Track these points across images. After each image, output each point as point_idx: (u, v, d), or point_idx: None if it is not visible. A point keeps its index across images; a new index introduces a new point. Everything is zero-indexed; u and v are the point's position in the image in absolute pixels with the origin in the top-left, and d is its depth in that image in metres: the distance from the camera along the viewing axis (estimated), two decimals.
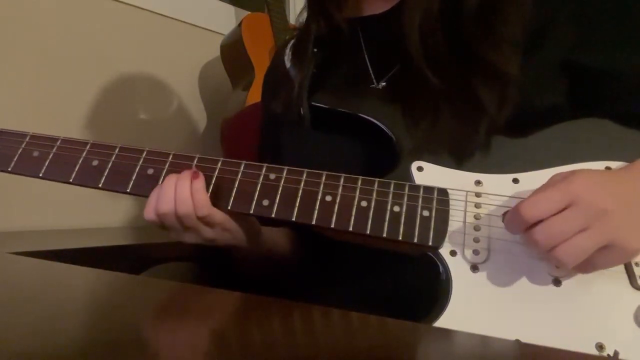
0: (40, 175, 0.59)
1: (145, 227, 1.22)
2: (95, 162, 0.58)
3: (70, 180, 0.58)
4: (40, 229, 1.05)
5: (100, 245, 0.88)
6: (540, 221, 0.44)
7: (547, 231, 0.44)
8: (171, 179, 0.55)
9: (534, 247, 0.46)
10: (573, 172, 0.46)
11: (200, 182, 0.55)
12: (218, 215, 0.56)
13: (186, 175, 0.55)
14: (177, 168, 0.57)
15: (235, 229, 0.58)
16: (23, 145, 0.60)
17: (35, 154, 0.59)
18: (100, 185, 0.58)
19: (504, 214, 0.50)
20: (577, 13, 0.56)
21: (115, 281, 0.49)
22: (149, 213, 0.56)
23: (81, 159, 0.59)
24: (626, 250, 0.45)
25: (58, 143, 0.60)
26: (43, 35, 1.08)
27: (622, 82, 0.56)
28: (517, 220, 0.46)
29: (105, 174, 0.58)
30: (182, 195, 0.54)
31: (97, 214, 1.16)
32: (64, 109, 1.11)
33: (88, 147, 0.59)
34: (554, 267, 0.48)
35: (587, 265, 0.45)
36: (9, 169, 0.60)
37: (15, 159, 0.60)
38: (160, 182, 0.57)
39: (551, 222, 0.44)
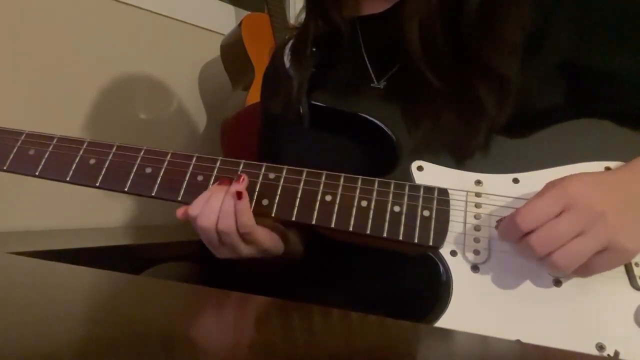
0: (37, 174, 0.58)
1: (145, 227, 1.22)
2: (92, 161, 0.58)
3: (67, 179, 0.57)
4: (40, 229, 1.04)
5: (100, 245, 0.88)
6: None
7: (543, 237, 0.44)
8: (219, 193, 0.54)
9: (530, 255, 0.46)
10: (566, 177, 0.46)
11: (245, 203, 0.54)
12: (259, 233, 0.56)
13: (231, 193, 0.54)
14: (175, 167, 0.56)
15: (272, 248, 0.58)
16: (19, 144, 0.59)
17: (31, 152, 0.59)
18: (97, 184, 0.57)
19: (498, 222, 0.49)
20: (576, 15, 0.56)
21: (115, 281, 0.49)
22: (201, 219, 0.54)
23: (78, 157, 0.58)
24: (623, 252, 0.45)
25: (54, 141, 0.59)
26: (43, 35, 1.08)
27: (621, 83, 0.56)
28: (513, 229, 0.45)
29: (103, 172, 0.57)
30: (226, 209, 0.53)
31: (97, 214, 1.15)
32: (64, 108, 1.11)
33: (85, 145, 0.58)
34: None
35: (586, 269, 0.45)
36: (4, 168, 0.59)
37: (10, 158, 0.59)
38: (158, 182, 0.56)
39: (546, 228, 0.44)
